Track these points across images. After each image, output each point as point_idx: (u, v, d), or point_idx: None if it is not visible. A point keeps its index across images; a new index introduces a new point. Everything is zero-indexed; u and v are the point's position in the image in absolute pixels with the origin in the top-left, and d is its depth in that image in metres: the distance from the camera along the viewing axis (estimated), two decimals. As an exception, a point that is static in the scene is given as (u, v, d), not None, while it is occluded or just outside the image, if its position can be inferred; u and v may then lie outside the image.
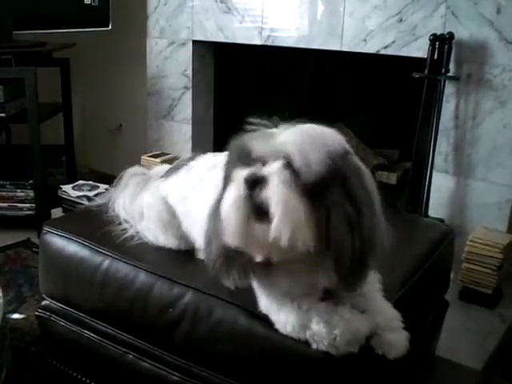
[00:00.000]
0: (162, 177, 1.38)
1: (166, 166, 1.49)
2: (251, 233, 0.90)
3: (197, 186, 1.26)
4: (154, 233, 1.34)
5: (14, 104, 2.60)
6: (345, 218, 0.90)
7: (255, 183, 0.88)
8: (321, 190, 0.90)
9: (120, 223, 1.41)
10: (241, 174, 0.90)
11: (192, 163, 1.34)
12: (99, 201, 1.55)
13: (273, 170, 0.89)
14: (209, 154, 1.37)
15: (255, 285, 1.08)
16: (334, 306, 1.02)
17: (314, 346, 1.01)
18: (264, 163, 0.91)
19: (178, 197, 1.30)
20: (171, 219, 1.31)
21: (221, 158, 1.31)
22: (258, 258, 0.96)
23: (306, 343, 1.02)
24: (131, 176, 1.47)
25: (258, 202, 0.88)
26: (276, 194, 0.87)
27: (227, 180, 0.95)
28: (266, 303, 1.06)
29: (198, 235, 1.25)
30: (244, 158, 0.93)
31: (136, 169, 1.52)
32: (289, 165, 0.89)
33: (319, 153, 0.90)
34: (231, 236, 0.92)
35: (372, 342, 1.04)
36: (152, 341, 1.25)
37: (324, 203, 0.90)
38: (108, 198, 1.49)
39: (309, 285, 1.02)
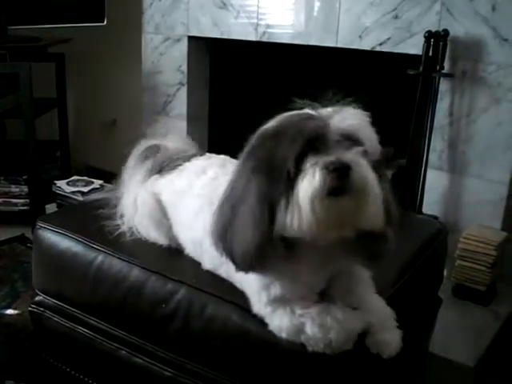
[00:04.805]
0: (157, 173, 1.35)
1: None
2: (333, 213, 0.89)
3: (184, 192, 1.26)
4: (146, 228, 1.34)
5: (8, 99, 2.59)
6: (392, 195, 0.98)
7: (337, 170, 0.87)
8: (376, 170, 0.93)
9: (114, 218, 1.39)
10: (320, 161, 0.87)
11: (186, 165, 1.33)
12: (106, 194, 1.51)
13: (353, 155, 0.89)
14: (207, 155, 1.37)
15: (247, 287, 1.08)
16: (327, 307, 1.02)
17: (310, 348, 1.01)
18: (326, 146, 0.89)
19: (168, 199, 1.30)
20: (163, 219, 1.30)
21: (213, 160, 1.31)
22: (324, 242, 0.93)
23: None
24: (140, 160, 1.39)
25: (337, 185, 0.87)
26: (365, 176, 0.89)
27: (287, 164, 0.89)
28: (258, 307, 1.06)
29: (184, 241, 1.26)
30: (304, 139, 0.90)
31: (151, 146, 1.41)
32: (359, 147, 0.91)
33: (374, 133, 0.94)
34: (313, 222, 0.88)
35: (367, 342, 1.05)
36: (145, 336, 1.25)
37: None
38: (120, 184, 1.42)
39: (308, 286, 1.03)
